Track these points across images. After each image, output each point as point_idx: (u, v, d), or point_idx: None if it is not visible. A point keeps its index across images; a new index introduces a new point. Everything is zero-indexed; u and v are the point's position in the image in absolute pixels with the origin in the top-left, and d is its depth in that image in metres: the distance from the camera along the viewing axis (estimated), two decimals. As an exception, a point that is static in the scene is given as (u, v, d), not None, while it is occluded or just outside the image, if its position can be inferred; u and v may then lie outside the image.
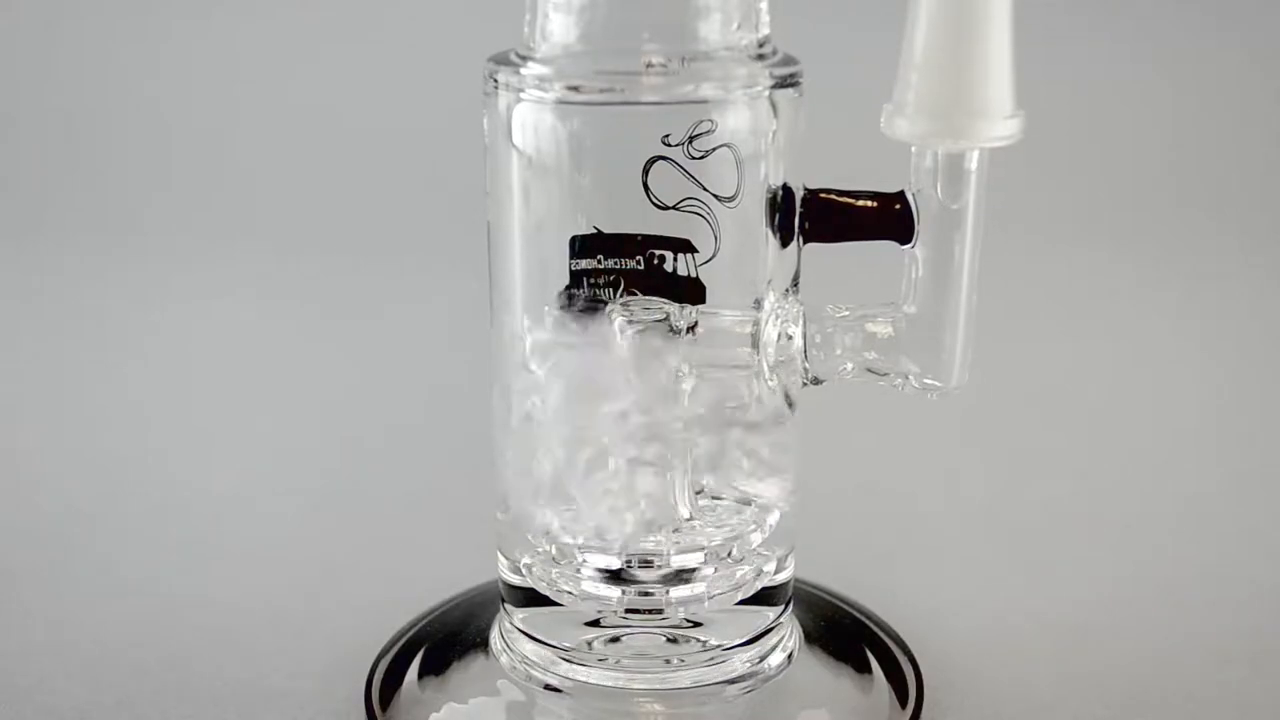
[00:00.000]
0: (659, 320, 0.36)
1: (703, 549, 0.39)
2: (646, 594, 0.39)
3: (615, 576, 0.39)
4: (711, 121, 0.35)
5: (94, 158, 0.78)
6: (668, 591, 0.39)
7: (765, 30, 0.37)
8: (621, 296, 0.37)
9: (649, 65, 0.35)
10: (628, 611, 0.40)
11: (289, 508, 0.56)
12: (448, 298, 0.70)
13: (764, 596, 0.41)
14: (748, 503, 0.40)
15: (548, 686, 0.41)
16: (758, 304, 0.38)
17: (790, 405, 0.40)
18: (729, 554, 0.40)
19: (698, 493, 0.39)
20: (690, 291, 0.37)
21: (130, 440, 0.62)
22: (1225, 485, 0.58)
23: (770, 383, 0.38)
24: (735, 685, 0.40)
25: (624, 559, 0.39)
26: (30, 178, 0.78)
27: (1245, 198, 0.76)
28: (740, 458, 0.39)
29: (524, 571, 0.41)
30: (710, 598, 0.40)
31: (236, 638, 0.47)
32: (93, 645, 0.46)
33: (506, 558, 0.41)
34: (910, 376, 0.39)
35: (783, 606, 0.42)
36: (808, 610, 0.45)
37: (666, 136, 0.35)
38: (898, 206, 0.37)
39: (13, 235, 0.77)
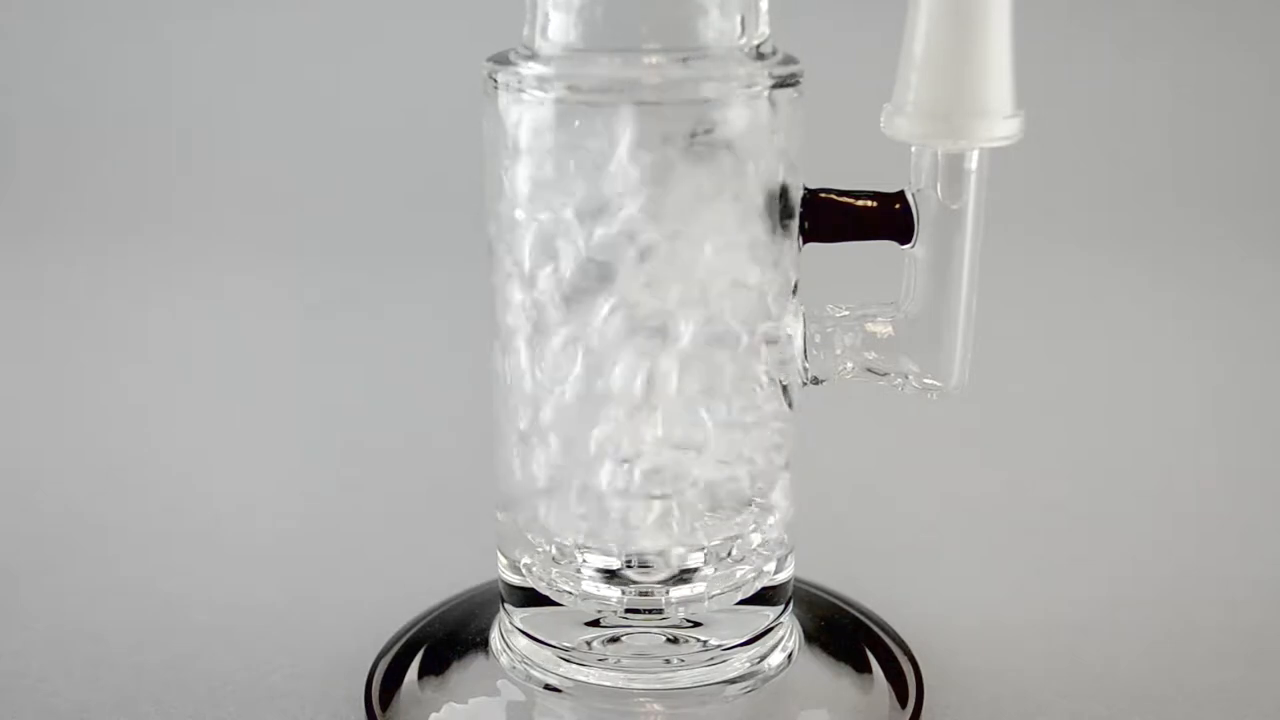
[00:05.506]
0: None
1: (703, 549, 0.39)
2: (646, 594, 0.39)
3: (615, 576, 0.39)
4: (711, 122, 0.35)
5: (94, 157, 0.78)
6: (668, 591, 0.39)
7: (765, 30, 0.37)
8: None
9: (649, 65, 0.35)
10: (628, 611, 0.40)
11: (289, 508, 0.56)
12: (448, 298, 0.70)
13: (764, 596, 0.41)
14: (748, 503, 0.40)
15: (548, 686, 0.40)
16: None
17: (790, 405, 0.40)
18: (729, 554, 0.40)
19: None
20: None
21: (130, 440, 0.62)
22: (1225, 485, 0.58)
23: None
24: (735, 685, 0.40)
25: (624, 559, 0.39)
26: (30, 178, 0.78)
27: (1245, 198, 0.76)
28: (740, 456, 0.39)
29: (524, 571, 0.40)
30: (710, 598, 0.40)
31: (236, 638, 0.47)
32: (93, 645, 0.46)
33: (506, 558, 0.41)
34: (910, 376, 0.39)
35: (783, 606, 0.42)
36: (808, 610, 0.45)
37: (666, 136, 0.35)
38: (898, 206, 0.37)
39: (13, 235, 0.77)
